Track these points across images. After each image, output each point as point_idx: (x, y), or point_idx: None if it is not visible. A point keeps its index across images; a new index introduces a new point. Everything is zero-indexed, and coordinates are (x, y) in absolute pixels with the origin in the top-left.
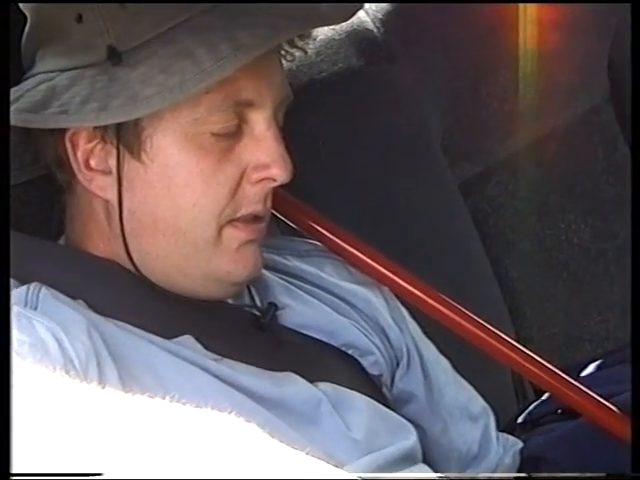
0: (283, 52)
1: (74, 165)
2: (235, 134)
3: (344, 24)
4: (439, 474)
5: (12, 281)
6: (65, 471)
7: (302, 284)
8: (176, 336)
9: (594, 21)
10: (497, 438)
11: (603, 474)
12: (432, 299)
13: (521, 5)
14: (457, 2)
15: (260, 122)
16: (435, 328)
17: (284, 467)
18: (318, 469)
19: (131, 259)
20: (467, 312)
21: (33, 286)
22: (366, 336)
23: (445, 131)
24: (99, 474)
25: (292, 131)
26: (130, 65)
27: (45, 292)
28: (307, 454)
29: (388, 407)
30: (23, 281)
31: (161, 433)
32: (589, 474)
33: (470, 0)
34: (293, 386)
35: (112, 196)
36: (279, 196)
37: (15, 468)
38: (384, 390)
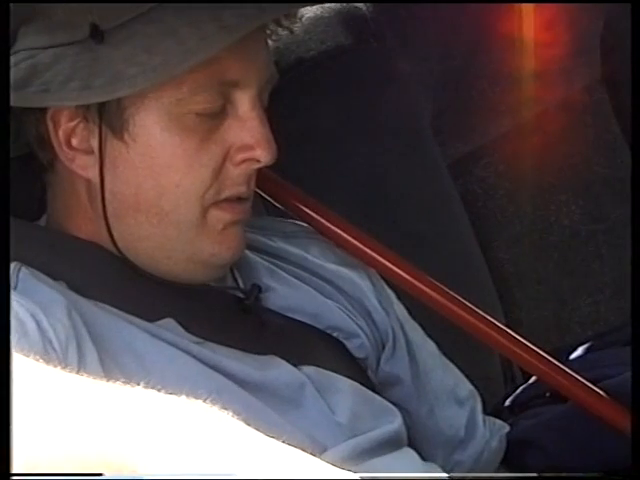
0: (269, 31)
1: (55, 144)
2: (219, 114)
3: (332, 3)
4: (444, 474)
5: None
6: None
7: (287, 266)
8: (158, 319)
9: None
10: (484, 422)
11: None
12: (419, 281)
13: None
14: (453, 2)
15: (245, 103)
16: (422, 311)
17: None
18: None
19: (113, 240)
20: (455, 295)
21: (12, 265)
22: (351, 319)
23: (435, 111)
24: (98, 475)
25: (278, 112)
26: (113, 44)
27: (25, 272)
28: (287, 439)
29: (373, 390)
30: None
31: (138, 421)
32: (589, 474)
33: (468, 0)
34: (276, 369)
35: (94, 176)
36: (266, 177)
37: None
38: (369, 373)
